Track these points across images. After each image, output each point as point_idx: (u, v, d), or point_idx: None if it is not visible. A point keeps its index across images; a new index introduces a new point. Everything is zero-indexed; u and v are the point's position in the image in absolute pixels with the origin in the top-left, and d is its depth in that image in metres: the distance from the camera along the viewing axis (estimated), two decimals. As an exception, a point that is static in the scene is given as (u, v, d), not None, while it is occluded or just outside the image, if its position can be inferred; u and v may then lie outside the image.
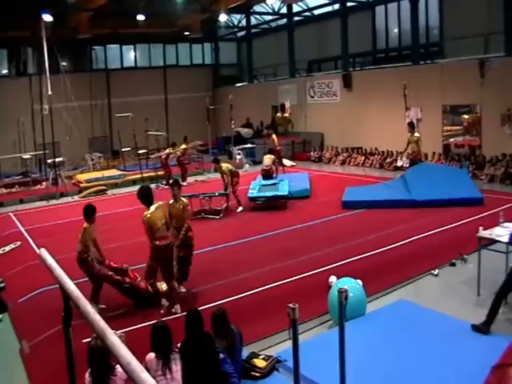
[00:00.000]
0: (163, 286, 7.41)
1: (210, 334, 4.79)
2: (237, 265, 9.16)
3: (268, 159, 15.62)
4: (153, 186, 18.86)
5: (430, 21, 20.10)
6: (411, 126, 14.88)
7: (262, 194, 13.74)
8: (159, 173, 19.29)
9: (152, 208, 7.06)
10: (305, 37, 25.70)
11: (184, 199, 8.01)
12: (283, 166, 18.96)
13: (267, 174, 15.34)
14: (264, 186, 14.14)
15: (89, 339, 4.45)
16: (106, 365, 4.26)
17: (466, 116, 17.00)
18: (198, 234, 11.26)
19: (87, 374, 4.37)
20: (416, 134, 14.67)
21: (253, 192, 13.97)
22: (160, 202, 7.34)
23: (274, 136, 18.69)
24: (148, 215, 6.99)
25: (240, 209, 13.61)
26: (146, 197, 7.18)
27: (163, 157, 18.41)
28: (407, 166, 15.97)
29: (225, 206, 13.51)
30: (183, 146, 18.53)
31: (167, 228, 7.24)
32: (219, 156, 22.82)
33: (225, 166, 13.68)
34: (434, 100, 17.99)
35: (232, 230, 11.84)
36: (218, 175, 14.37)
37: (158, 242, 7.03)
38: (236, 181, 13.60)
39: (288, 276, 8.29)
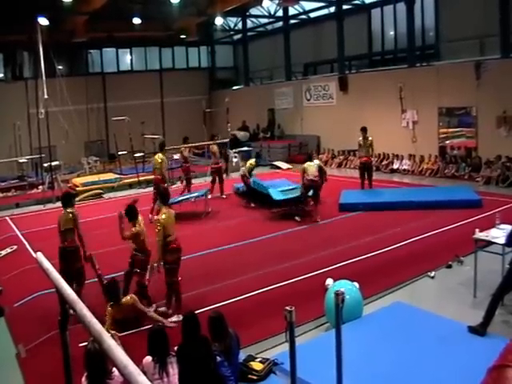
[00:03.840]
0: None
1: (206, 337, 4.78)
2: (233, 267, 9.15)
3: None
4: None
5: (426, 23, 20.17)
6: (364, 130, 14.68)
7: (286, 196, 12.89)
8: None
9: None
10: (301, 40, 25.74)
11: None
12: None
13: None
14: (283, 191, 13.45)
15: (85, 343, 4.44)
16: (103, 368, 4.24)
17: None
18: (194, 237, 11.33)
19: (83, 379, 4.36)
20: (370, 138, 14.59)
21: (276, 197, 12.81)
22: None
23: (215, 147, 16.35)
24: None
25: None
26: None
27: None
28: (361, 169, 14.90)
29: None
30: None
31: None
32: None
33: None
34: (430, 102, 18.04)
35: (229, 232, 11.82)
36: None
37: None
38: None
39: (285, 278, 8.29)
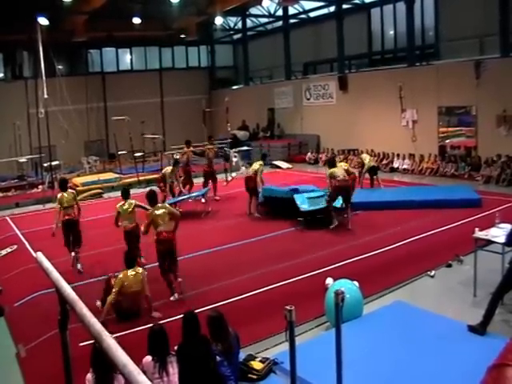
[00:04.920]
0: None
1: (206, 337, 4.78)
2: (233, 267, 9.14)
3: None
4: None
5: (426, 22, 20.18)
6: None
7: (314, 207, 12.00)
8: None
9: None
10: (300, 39, 25.74)
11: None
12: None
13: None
14: (310, 198, 12.46)
15: (86, 342, 4.44)
16: (111, 364, 4.24)
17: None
18: (194, 237, 11.32)
19: (89, 375, 4.38)
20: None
21: (304, 207, 11.91)
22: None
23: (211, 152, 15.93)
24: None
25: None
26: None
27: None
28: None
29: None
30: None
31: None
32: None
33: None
34: (430, 101, 18.03)
35: (229, 232, 11.81)
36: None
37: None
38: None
39: (285, 278, 8.28)
